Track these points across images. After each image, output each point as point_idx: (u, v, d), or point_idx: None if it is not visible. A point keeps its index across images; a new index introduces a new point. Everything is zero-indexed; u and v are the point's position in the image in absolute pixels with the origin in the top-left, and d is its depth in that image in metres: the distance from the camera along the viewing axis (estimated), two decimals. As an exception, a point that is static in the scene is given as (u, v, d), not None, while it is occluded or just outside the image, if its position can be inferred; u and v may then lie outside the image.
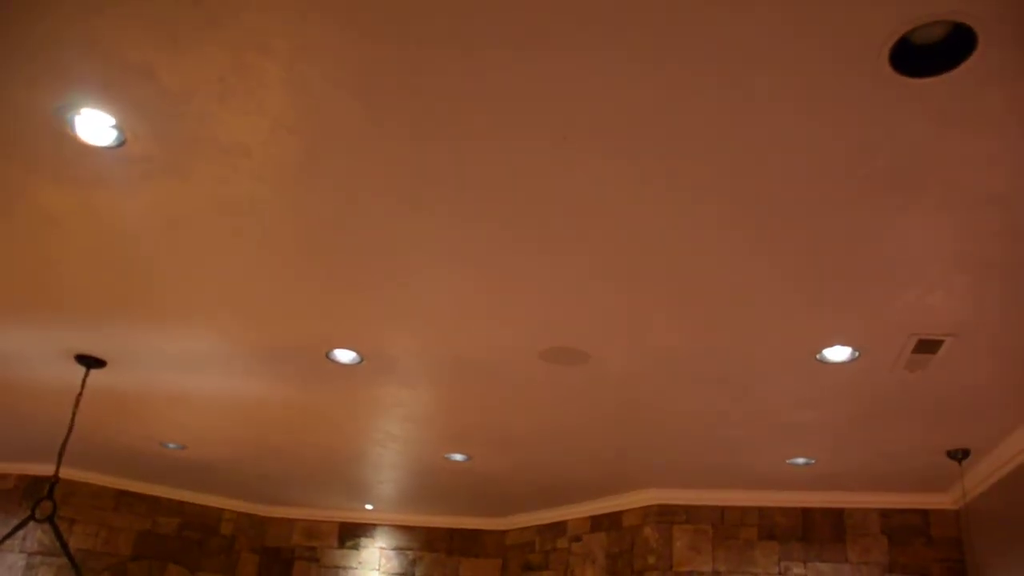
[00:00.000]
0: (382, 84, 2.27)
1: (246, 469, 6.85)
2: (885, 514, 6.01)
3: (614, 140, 2.44)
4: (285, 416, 5.33)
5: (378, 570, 7.87)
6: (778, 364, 3.92)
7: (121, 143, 2.60)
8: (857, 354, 3.72)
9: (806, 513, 6.17)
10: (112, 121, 2.49)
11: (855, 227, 2.78)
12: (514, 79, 2.22)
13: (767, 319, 3.49)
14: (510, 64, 2.17)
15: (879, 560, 5.89)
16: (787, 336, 3.62)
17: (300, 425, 5.50)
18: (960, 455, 5.01)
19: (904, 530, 5.93)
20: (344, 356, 4.22)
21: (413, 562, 7.87)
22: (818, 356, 3.78)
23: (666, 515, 6.39)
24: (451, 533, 7.94)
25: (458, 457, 5.96)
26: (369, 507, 7.85)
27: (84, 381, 4.63)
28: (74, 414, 4.66)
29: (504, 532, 7.87)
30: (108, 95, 2.38)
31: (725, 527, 6.27)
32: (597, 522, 6.94)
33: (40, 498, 4.50)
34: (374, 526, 8.07)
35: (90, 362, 4.52)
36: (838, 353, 3.73)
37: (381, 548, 7.97)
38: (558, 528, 7.28)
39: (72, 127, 2.53)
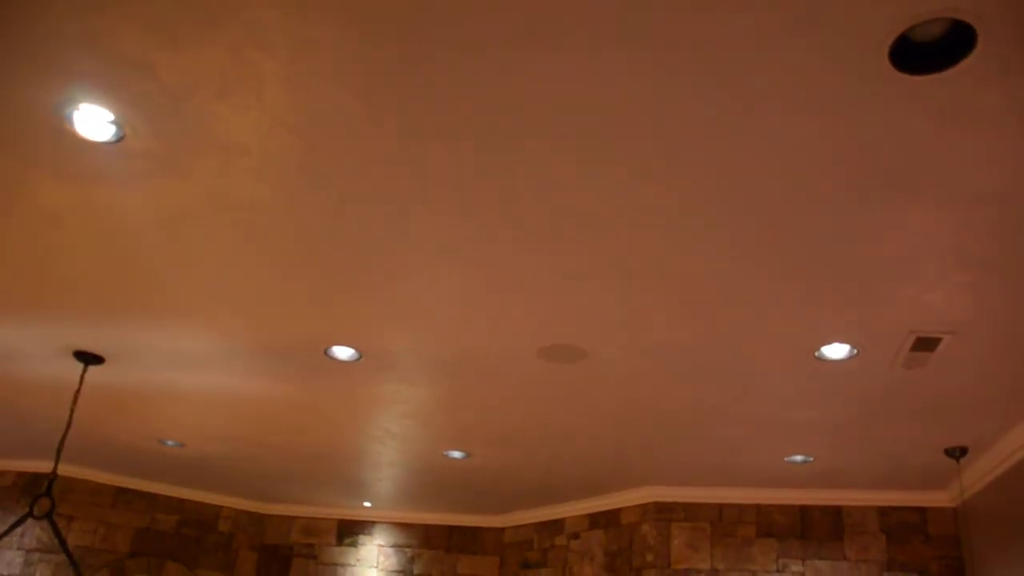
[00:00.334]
0: (382, 82, 2.27)
1: (245, 466, 6.85)
2: (883, 512, 6.02)
3: (613, 139, 2.44)
4: (284, 413, 5.33)
5: (376, 567, 7.88)
6: (777, 362, 3.93)
7: (120, 139, 2.60)
8: (855, 352, 3.73)
9: (804, 511, 6.18)
10: (111, 117, 2.49)
11: (854, 224, 2.78)
12: (513, 79, 2.22)
13: (765, 317, 3.49)
14: (509, 64, 2.17)
15: (877, 558, 5.90)
16: (785, 334, 3.63)
17: (299, 422, 5.50)
18: (958, 453, 5.01)
19: (902, 528, 5.94)
20: (343, 353, 4.22)
21: (411, 559, 7.87)
22: (816, 354, 3.79)
23: (664, 513, 6.40)
24: (449, 530, 7.94)
25: (456, 454, 5.97)
26: (367, 504, 7.85)
27: (82, 377, 4.63)
28: (72, 411, 4.66)
29: (502, 530, 7.88)
30: (107, 91, 2.38)
31: (723, 525, 6.27)
32: (595, 520, 6.94)
33: (38, 495, 4.49)
34: (372, 523, 8.07)
35: (88, 358, 4.52)
36: (836, 351, 3.74)
37: (379, 545, 7.97)
38: (556, 526, 7.28)
39: (71, 123, 2.53)
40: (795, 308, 3.40)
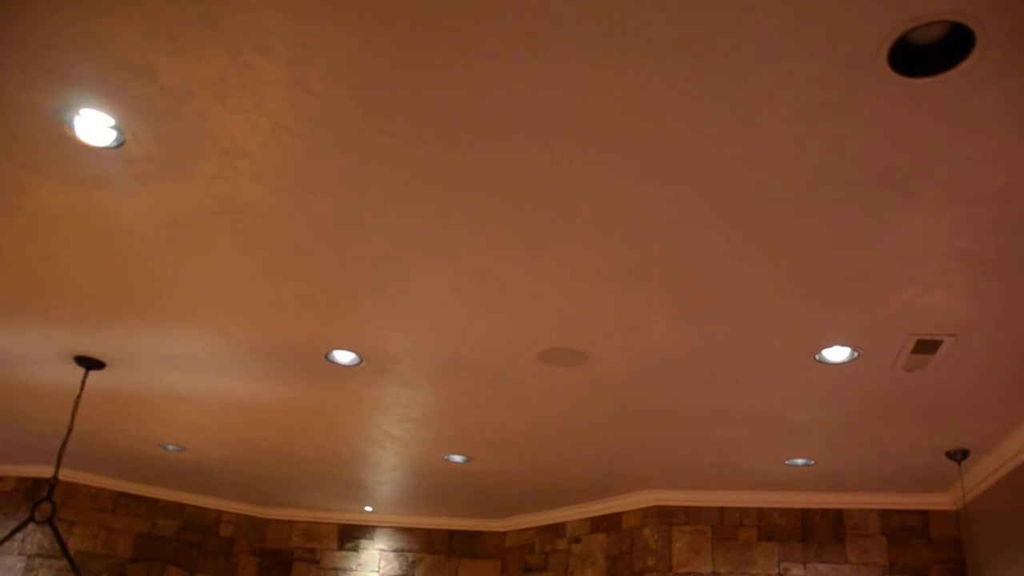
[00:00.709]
0: (381, 86, 2.28)
1: (245, 471, 6.85)
2: (884, 515, 6.01)
3: (613, 143, 2.44)
4: (284, 417, 5.33)
5: (377, 572, 7.87)
6: (777, 365, 3.93)
7: (121, 143, 2.60)
8: (856, 354, 3.73)
9: (805, 514, 6.17)
10: (111, 121, 2.49)
11: (854, 226, 2.78)
12: (512, 83, 2.23)
13: (766, 320, 3.49)
14: (509, 68, 2.17)
15: (878, 561, 5.89)
16: (786, 336, 3.63)
17: (299, 427, 5.50)
18: (959, 455, 5.01)
19: (904, 531, 5.94)
20: (343, 357, 4.22)
21: (413, 564, 7.86)
22: (817, 356, 3.78)
23: (665, 516, 6.39)
24: (451, 534, 7.94)
25: (457, 458, 5.96)
26: (369, 509, 7.84)
27: (83, 382, 4.64)
28: (73, 416, 4.66)
29: (503, 533, 7.87)
30: (108, 95, 2.39)
31: (724, 528, 6.27)
32: (596, 523, 6.94)
33: (39, 500, 4.50)
34: (374, 528, 8.06)
35: (89, 363, 4.52)
36: (837, 353, 3.73)
37: (381, 550, 7.97)
38: (557, 529, 7.28)
39: (72, 127, 2.53)
40: (795, 311, 3.40)
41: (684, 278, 3.21)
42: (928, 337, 3.50)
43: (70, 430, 4.61)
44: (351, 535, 8.08)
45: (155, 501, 7.71)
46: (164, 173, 2.76)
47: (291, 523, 8.22)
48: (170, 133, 2.54)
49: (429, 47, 2.13)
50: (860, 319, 3.42)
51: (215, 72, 2.27)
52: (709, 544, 6.24)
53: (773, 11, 1.94)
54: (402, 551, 7.93)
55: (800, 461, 5.42)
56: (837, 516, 6.11)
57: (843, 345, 3.66)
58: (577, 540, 7.05)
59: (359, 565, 7.93)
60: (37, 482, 7.17)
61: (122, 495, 7.55)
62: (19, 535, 6.90)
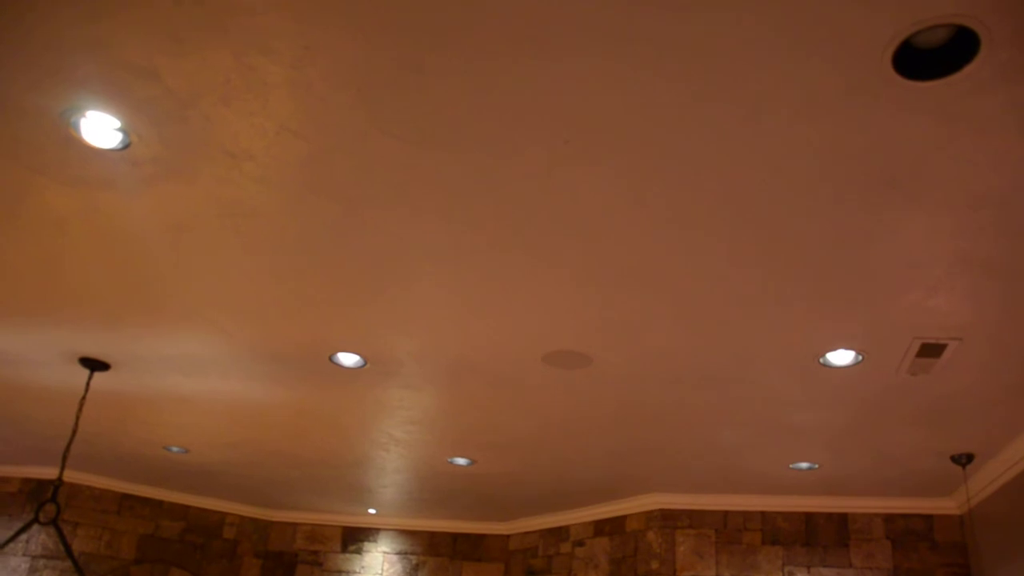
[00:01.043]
0: (385, 88, 2.28)
1: (249, 473, 6.85)
2: (889, 519, 6.00)
3: (615, 146, 2.44)
4: (288, 420, 5.34)
5: (381, 574, 7.87)
6: (781, 368, 3.92)
7: (126, 146, 2.61)
8: (860, 358, 3.72)
9: (809, 518, 6.16)
10: (117, 124, 2.50)
11: (858, 230, 2.78)
12: (515, 86, 2.23)
13: (770, 323, 3.48)
14: (512, 71, 2.18)
15: (883, 565, 5.87)
16: (790, 340, 3.62)
17: (303, 429, 5.51)
18: (964, 459, 5.00)
19: (908, 535, 5.92)
20: (347, 360, 4.23)
21: (416, 566, 7.86)
22: (821, 360, 3.78)
23: (669, 520, 6.38)
24: (454, 537, 7.93)
25: (461, 461, 5.96)
26: (372, 511, 7.84)
27: (88, 384, 4.64)
28: (78, 417, 4.68)
29: (507, 536, 7.86)
30: (113, 98, 2.40)
31: (728, 532, 6.26)
32: (600, 527, 6.93)
33: (44, 501, 4.51)
34: (377, 530, 8.06)
35: (94, 365, 4.53)
36: (841, 357, 3.73)
37: (384, 552, 7.96)
38: (561, 532, 7.27)
39: (77, 130, 2.54)
40: (799, 314, 3.39)
41: (687, 281, 3.20)
42: (932, 340, 3.50)
43: (74, 431, 4.62)
44: (355, 537, 8.08)
45: (159, 503, 7.72)
46: (169, 175, 2.77)
47: (295, 525, 8.23)
48: (175, 135, 2.55)
49: (431, 49, 2.14)
50: (864, 322, 3.41)
51: (220, 74, 2.28)
52: (713, 548, 6.23)
53: (777, 14, 1.95)
54: (405, 554, 7.93)
55: (804, 465, 5.41)
56: (841, 520, 6.09)
57: (847, 348, 3.65)
58: (580, 543, 7.04)
59: (362, 567, 7.92)
60: (41, 483, 7.18)
61: (126, 496, 7.56)
62: (23, 536, 6.91)
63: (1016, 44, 1.97)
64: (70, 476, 7.22)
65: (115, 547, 7.37)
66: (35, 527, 6.92)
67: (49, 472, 7.16)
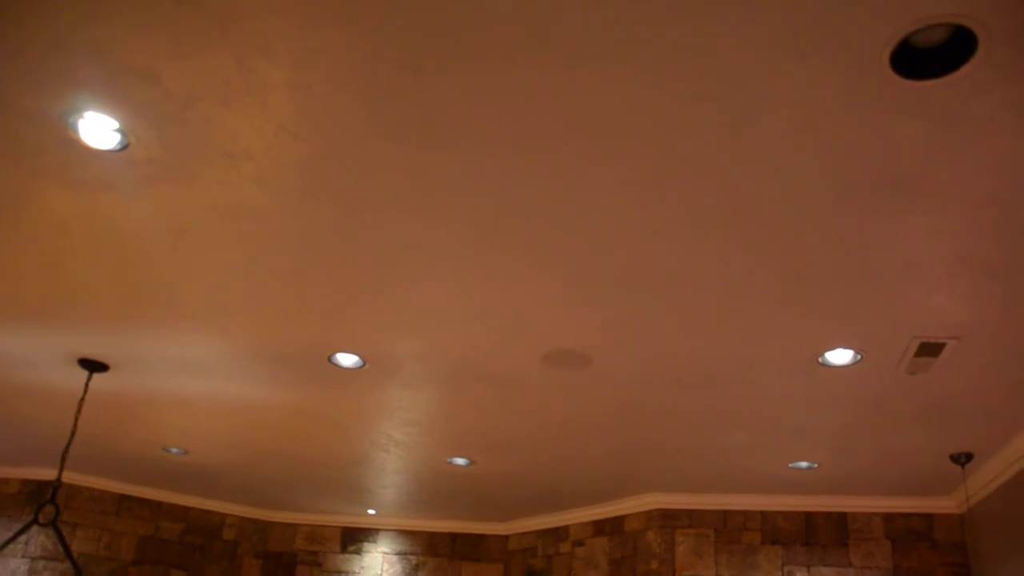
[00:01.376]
0: (385, 90, 2.28)
1: (249, 474, 6.85)
2: (888, 518, 6.00)
3: (616, 148, 2.44)
4: (288, 421, 5.34)
5: (380, 575, 7.87)
6: (780, 368, 3.92)
7: (125, 147, 2.61)
8: (859, 357, 3.72)
9: (809, 517, 6.16)
10: (116, 125, 2.50)
11: (857, 230, 2.79)
12: (516, 89, 2.23)
13: (769, 323, 3.49)
14: (513, 72, 2.18)
15: (882, 564, 5.88)
16: (789, 339, 3.63)
17: (303, 430, 5.51)
18: (963, 459, 5.00)
19: (908, 534, 5.93)
20: (347, 360, 4.22)
21: (416, 567, 7.86)
22: (820, 359, 3.78)
23: (669, 519, 6.39)
24: (453, 537, 7.93)
25: (461, 461, 5.96)
26: (372, 512, 7.84)
27: (87, 385, 4.64)
28: (77, 418, 4.67)
29: (506, 537, 7.87)
30: (112, 99, 2.40)
31: (728, 531, 6.26)
32: (600, 527, 6.93)
33: (43, 502, 4.50)
34: (377, 531, 8.06)
35: (93, 366, 4.53)
36: (840, 356, 3.73)
37: (384, 553, 7.97)
38: (560, 533, 7.27)
39: (76, 131, 2.54)
40: (798, 314, 3.39)
41: (687, 281, 3.21)
42: (931, 340, 3.50)
43: (73, 433, 4.62)
44: (354, 538, 8.08)
45: (158, 504, 7.72)
46: (168, 177, 2.77)
47: (294, 526, 8.23)
48: (174, 137, 2.55)
49: (431, 51, 2.14)
50: (863, 322, 3.42)
51: (220, 76, 2.28)
52: (712, 547, 6.23)
53: (776, 15, 1.95)
54: (405, 554, 7.93)
55: (804, 464, 5.41)
56: (841, 519, 6.10)
57: (846, 348, 3.65)
58: (580, 543, 7.05)
59: (362, 568, 7.93)
60: (40, 485, 7.18)
61: (125, 498, 7.55)
62: (23, 537, 6.90)
63: (1014, 43, 1.97)
64: (69, 477, 7.22)
65: (114, 548, 7.37)
66: (34, 528, 6.92)
67: (48, 473, 7.16)
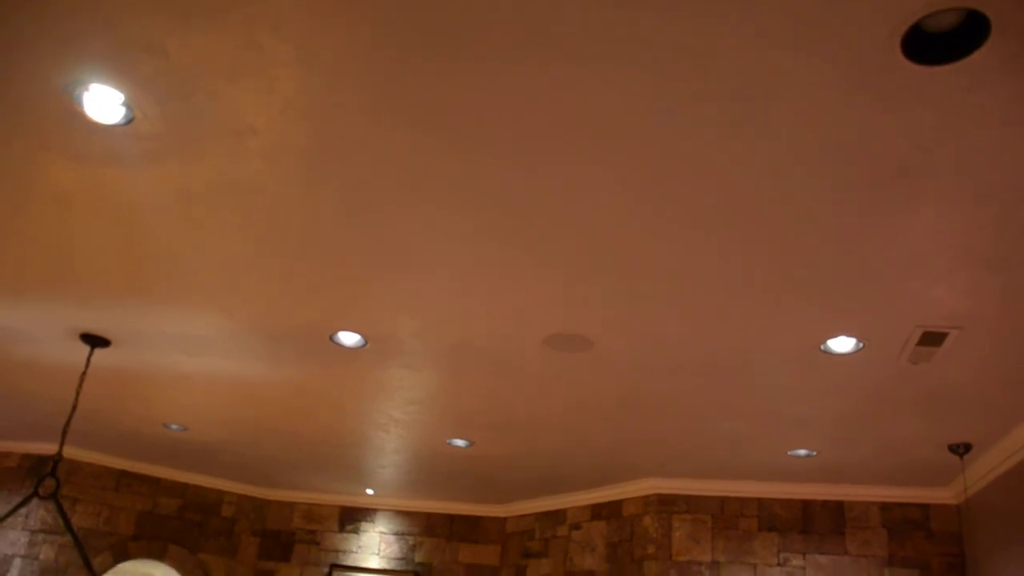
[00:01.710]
0: (392, 71, 2.27)
1: (248, 451, 6.87)
2: (885, 507, 6.02)
3: (620, 139, 2.43)
4: (288, 399, 5.35)
5: (378, 555, 7.91)
6: (782, 355, 3.92)
7: (130, 121, 2.60)
8: (861, 345, 3.72)
9: (806, 505, 6.18)
10: (121, 98, 2.49)
11: (862, 218, 2.78)
12: (522, 76, 2.22)
13: (772, 310, 3.48)
14: (519, 61, 2.16)
15: (878, 553, 5.90)
16: (791, 327, 3.62)
17: (303, 408, 5.52)
18: (962, 449, 5.01)
19: (904, 524, 5.95)
20: (348, 339, 4.23)
21: (413, 547, 7.90)
22: (822, 347, 3.78)
23: (666, 504, 6.41)
24: (451, 519, 7.97)
25: (460, 443, 5.98)
26: (370, 492, 7.87)
27: (88, 360, 4.64)
28: (78, 393, 4.69)
29: (504, 519, 7.90)
30: (118, 72, 2.38)
31: (725, 518, 6.28)
32: (597, 511, 6.96)
33: (44, 475, 4.52)
34: (375, 510, 8.10)
35: (95, 341, 4.53)
36: (842, 344, 3.73)
37: (381, 533, 8.00)
38: (558, 516, 7.30)
39: (81, 104, 2.53)
40: (801, 301, 3.39)
41: (689, 267, 3.20)
42: (934, 329, 3.50)
43: (74, 407, 4.63)
44: (352, 517, 8.12)
45: (157, 480, 7.75)
46: (173, 152, 2.76)
47: (292, 504, 8.26)
48: (180, 112, 2.54)
49: (439, 39, 2.13)
50: (866, 310, 3.41)
51: (227, 53, 2.26)
52: (709, 533, 6.25)
53: (780, 7, 1.94)
54: (403, 534, 7.97)
55: (802, 452, 5.42)
56: (838, 508, 6.12)
57: (848, 336, 3.65)
58: (577, 527, 7.08)
59: (359, 547, 7.96)
60: (41, 459, 7.21)
61: (124, 473, 7.59)
62: (23, 511, 6.94)
63: (1027, 31, 1.96)
64: (69, 452, 7.25)
65: (113, 523, 7.40)
66: (34, 502, 6.95)
67: (49, 448, 7.19)
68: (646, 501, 6.51)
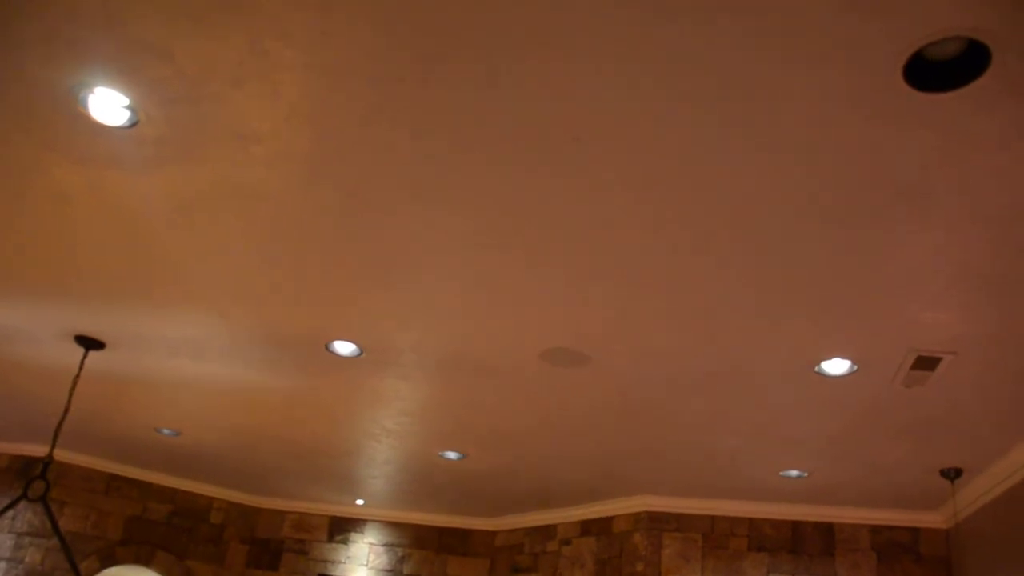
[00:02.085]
0: (396, 79, 2.28)
1: (239, 458, 6.85)
2: (875, 530, 6.02)
3: (621, 152, 2.44)
4: (281, 406, 5.34)
5: (367, 566, 7.87)
6: (777, 375, 3.93)
7: (134, 124, 2.61)
8: (856, 368, 3.73)
9: (796, 526, 6.18)
10: (126, 101, 2.50)
11: (860, 240, 2.79)
12: (527, 82, 2.23)
13: (767, 330, 3.50)
14: (524, 66, 2.18)
15: (867, 576, 5.90)
16: (787, 347, 3.63)
17: (296, 416, 5.51)
18: (952, 474, 5.02)
19: (893, 547, 5.94)
20: (344, 348, 4.23)
21: (402, 559, 7.87)
22: (816, 368, 3.79)
23: (656, 522, 6.40)
24: (440, 531, 7.94)
25: (452, 455, 5.97)
26: (360, 502, 7.84)
27: (82, 362, 4.63)
28: (71, 395, 4.66)
29: (494, 533, 7.87)
30: (123, 75, 2.39)
31: (715, 537, 6.27)
32: (587, 527, 6.94)
33: (33, 477, 4.49)
34: (364, 521, 8.07)
35: (89, 343, 4.52)
36: (836, 366, 3.74)
37: (370, 544, 7.97)
38: (548, 531, 7.28)
39: (86, 106, 2.54)
40: (797, 322, 3.40)
41: (688, 284, 3.21)
42: (928, 354, 3.51)
43: (67, 410, 4.61)
44: (341, 528, 8.08)
45: (147, 485, 7.71)
46: (176, 156, 2.77)
47: (282, 513, 8.22)
48: (184, 116, 2.55)
49: (443, 46, 2.14)
50: (861, 332, 3.43)
51: (233, 56, 2.28)
52: (699, 552, 6.24)
53: (789, 24, 1.95)
54: (392, 546, 7.94)
55: (794, 473, 5.42)
56: (828, 529, 6.11)
57: (843, 358, 3.66)
58: (567, 542, 7.06)
59: (348, 558, 7.93)
60: (30, 461, 7.17)
61: (114, 477, 7.55)
62: (10, 513, 6.89)
63: (1027, 60, 1.98)
64: (60, 455, 7.21)
65: (102, 527, 7.36)
66: (21, 505, 6.90)
67: (39, 449, 7.14)
68: (636, 518, 6.50)
